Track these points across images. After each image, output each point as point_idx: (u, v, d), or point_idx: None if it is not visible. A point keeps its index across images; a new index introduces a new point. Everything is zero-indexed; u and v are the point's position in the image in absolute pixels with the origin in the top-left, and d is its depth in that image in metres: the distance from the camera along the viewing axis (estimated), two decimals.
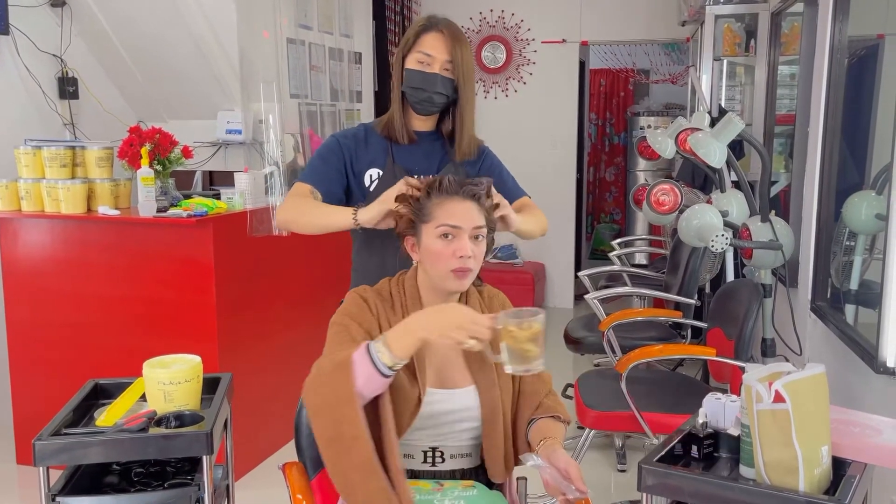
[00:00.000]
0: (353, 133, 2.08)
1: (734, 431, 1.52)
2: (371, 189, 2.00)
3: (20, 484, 3.29)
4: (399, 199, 1.73)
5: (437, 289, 1.69)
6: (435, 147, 2.07)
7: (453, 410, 1.67)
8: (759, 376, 1.37)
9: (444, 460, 1.70)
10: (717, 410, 1.56)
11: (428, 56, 1.95)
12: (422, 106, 2.00)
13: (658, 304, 4.33)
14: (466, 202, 1.65)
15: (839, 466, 1.42)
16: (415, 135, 2.05)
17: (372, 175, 2.03)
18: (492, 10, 6.28)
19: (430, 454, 1.69)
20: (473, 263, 1.64)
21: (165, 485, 1.83)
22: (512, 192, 2.11)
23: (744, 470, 1.43)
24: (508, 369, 1.49)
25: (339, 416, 1.46)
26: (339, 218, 1.88)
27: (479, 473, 1.74)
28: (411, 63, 1.97)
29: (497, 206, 1.77)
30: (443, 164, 2.04)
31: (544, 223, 2.10)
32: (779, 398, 1.31)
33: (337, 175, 2.01)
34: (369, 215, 1.82)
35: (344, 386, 1.45)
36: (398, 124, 2.03)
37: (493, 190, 1.76)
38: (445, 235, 1.62)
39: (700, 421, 1.55)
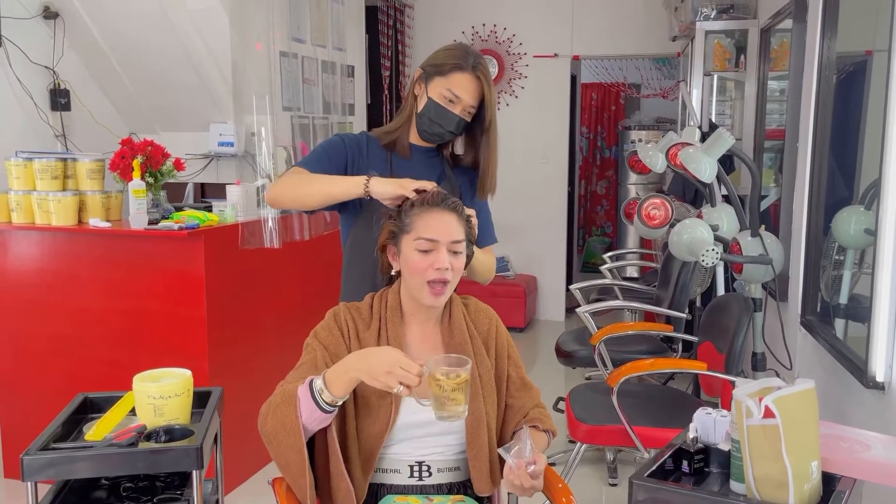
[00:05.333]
0: (356, 138, 2.08)
1: (724, 446, 1.52)
2: (369, 197, 2.00)
3: (6, 497, 3.26)
4: (391, 211, 1.75)
5: (417, 300, 1.70)
6: (435, 162, 2.08)
7: (435, 420, 1.67)
8: (749, 391, 1.37)
9: (431, 474, 1.70)
10: (707, 425, 1.56)
11: (456, 97, 1.94)
12: (430, 137, 2.02)
13: (649, 317, 4.34)
14: (446, 214, 1.68)
15: (829, 481, 1.42)
16: (412, 148, 2.06)
17: (381, 179, 2.03)
18: (484, 25, 6.31)
19: (416, 468, 1.70)
20: (451, 275, 1.66)
21: (155, 500, 1.82)
22: (487, 233, 2.12)
23: (734, 485, 1.43)
24: (434, 416, 1.52)
25: (286, 446, 1.55)
26: (348, 184, 1.86)
27: (467, 487, 1.74)
28: (435, 94, 1.95)
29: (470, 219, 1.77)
30: (440, 179, 2.05)
31: (493, 269, 2.12)
32: (769, 414, 1.32)
33: (337, 172, 2.00)
34: (383, 189, 1.79)
35: (290, 418, 1.54)
36: (404, 138, 2.05)
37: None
38: (424, 250, 1.64)
39: (691, 436, 1.56)
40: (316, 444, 1.65)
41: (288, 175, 2.00)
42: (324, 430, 1.61)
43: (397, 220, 1.71)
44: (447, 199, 1.70)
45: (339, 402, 1.54)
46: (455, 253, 1.67)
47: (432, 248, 1.65)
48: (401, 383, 1.46)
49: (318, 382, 1.53)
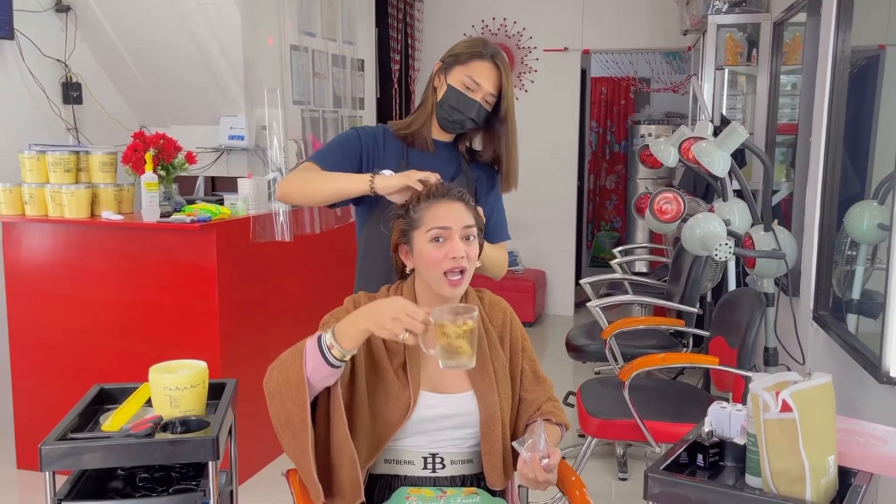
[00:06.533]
0: (372, 131, 2.08)
1: (740, 440, 1.52)
2: (376, 194, 2.00)
3: (21, 488, 3.29)
4: (402, 206, 1.75)
5: (434, 294, 1.70)
6: (452, 156, 2.08)
7: (450, 415, 1.68)
8: (765, 385, 1.37)
9: (444, 466, 1.70)
10: (722, 419, 1.56)
11: (476, 84, 1.96)
12: (451, 126, 2.02)
13: (659, 312, 4.33)
14: (454, 203, 1.68)
15: (845, 476, 1.42)
16: (434, 144, 2.06)
17: (385, 175, 2.03)
18: (494, 18, 6.30)
19: (429, 460, 1.70)
20: (467, 263, 1.66)
21: (170, 490, 1.83)
22: (500, 230, 2.14)
23: (750, 479, 1.43)
24: (441, 364, 1.52)
25: (289, 400, 1.54)
26: (354, 182, 1.88)
27: (480, 480, 1.74)
28: (455, 82, 1.97)
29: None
30: (457, 174, 2.05)
31: (505, 265, 2.12)
32: (786, 408, 1.32)
33: (351, 167, 2.00)
34: (388, 183, 1.81)
35: (295, 371, 1.53)
36: (425, 131, 2.05)
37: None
38: (437, 239, 1.65)
39: (706, 430, 1.55)
40: (318, 412, 1.62)
41: (298, 171, 2.00)
42: (328, 398, 1.60)
43: (406, 218, 1.71)
44: (452, 189, 1.71)
45: (348, 357, 1.53)
46: (468, 239, 1.67)
47: (445, 235, 1.65)
48: (407, 330, 1.46)
49: (328, 336, 1.52)
